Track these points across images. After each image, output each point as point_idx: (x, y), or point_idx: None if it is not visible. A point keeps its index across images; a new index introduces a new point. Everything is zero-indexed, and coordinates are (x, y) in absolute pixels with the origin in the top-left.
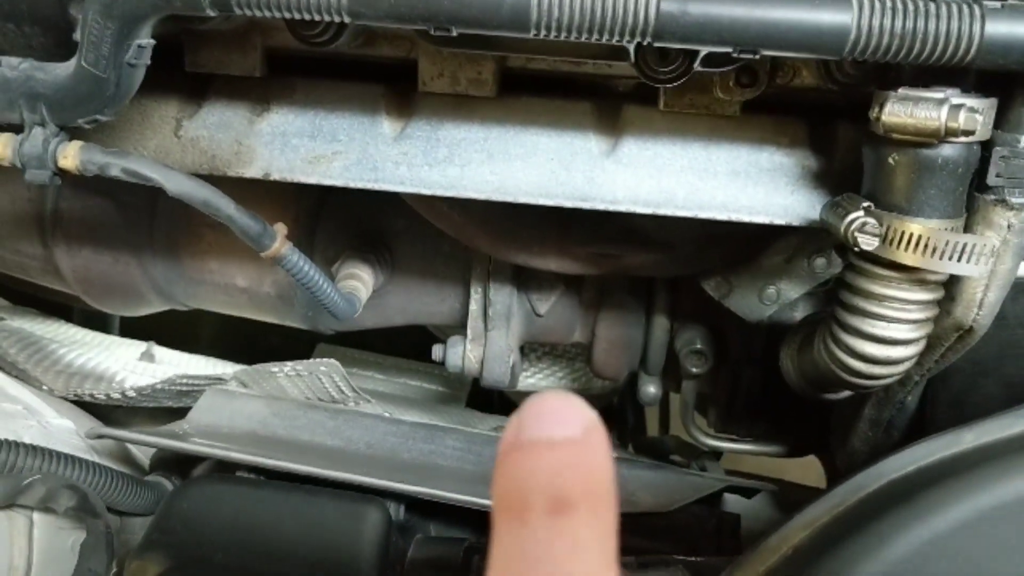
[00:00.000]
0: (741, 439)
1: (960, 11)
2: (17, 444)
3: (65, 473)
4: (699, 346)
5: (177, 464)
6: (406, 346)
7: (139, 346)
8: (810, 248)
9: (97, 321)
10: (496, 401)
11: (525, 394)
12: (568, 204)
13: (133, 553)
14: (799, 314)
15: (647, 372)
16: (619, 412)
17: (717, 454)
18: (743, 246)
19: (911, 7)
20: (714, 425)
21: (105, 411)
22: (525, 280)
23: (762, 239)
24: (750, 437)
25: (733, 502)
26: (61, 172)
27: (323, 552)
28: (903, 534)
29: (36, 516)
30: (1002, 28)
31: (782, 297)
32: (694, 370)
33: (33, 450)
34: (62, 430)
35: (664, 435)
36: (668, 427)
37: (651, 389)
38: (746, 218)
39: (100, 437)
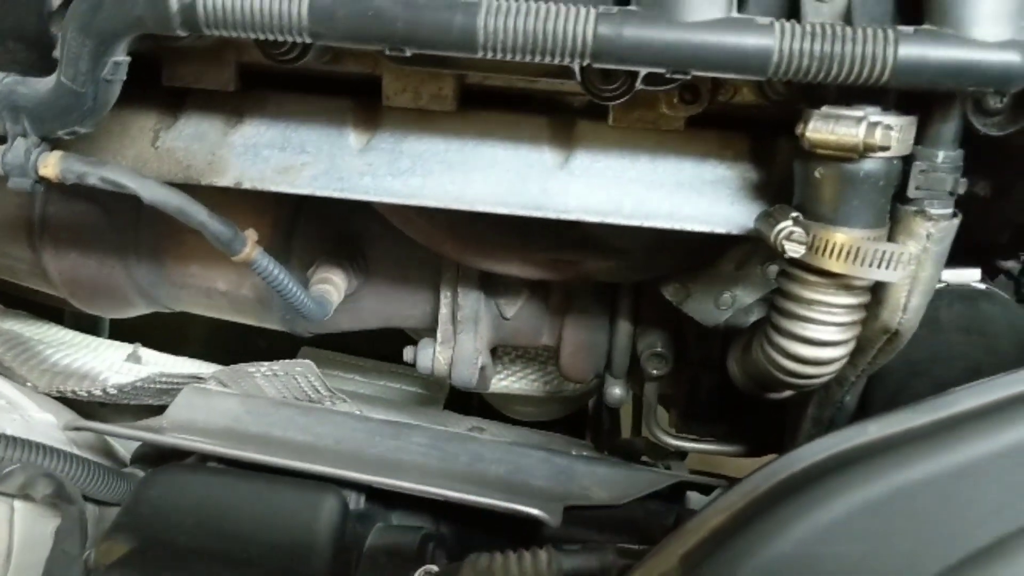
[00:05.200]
0: (702, 439)
1: (875, 35)
2: None
3: (43, 463)
4: (659, 349)
5: (156, 460)
6: (387, 350)
7: (126, 348)
8: (763, 255)
9: (87, 324)
10: (475, 404)
11: (502, 397)
12: (522, 213)
13: (102, 535)
14: (754, 319)
15: (612, 374)
16: (594, 415)
17: (683, 454)
18: (696, 253)
19: (829, 32)
20: (675, 425)
21: (90, 409)
22: (492, 285)
23: (715, 247)
24: (710, 437)
25: (696, 500)
26: (42, 180)
27: (279, 535)
28: (806, 517)
29: (17, 504)
30: (914, 51)
31: (737, 303)
32: (655, 372)
33: (13, 441)
34: (43, 424)
35: (635, 437)
36: (640, 429)
37: (616, 391)
38: (689, 227)
39: (77, 430)
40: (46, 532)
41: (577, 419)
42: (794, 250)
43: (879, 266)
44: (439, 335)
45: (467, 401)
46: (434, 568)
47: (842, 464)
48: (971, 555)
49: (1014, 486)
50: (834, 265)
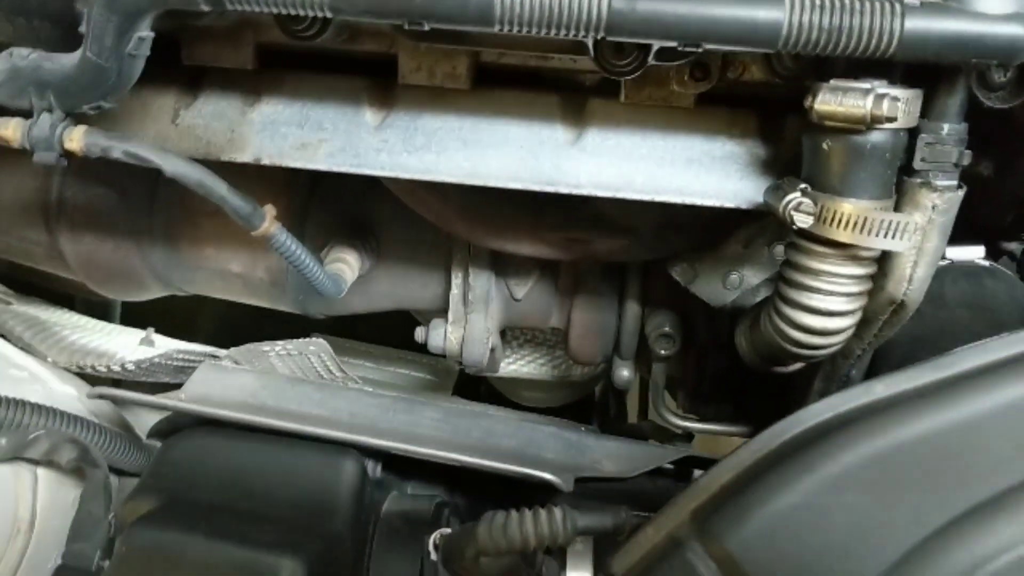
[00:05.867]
0: (709, 420)
1: (882, 8)
2: (23, 402)
3: (67, 429)
4: (667, 330)
5: (174, 434)
6: (397, 338)
7: (139, 333)
8: (770, 236)
9: (99, 311)
10: (484, 391)
11: (510, 382)
12: (535, 188)
13: (128, 496)
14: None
15: (620, 356)
16: (601, 401)
17: (690, 437)
18: (704, 233)
19: (838, 4)
20: (683, 406)
21: (106, 386)
22: (503, 266)
23: (723, 226)
24: (717, 418)
25: None
26: (67, 154)
27: (302, 495)
28: (814, 469)
29: (40, 471)
30: (920, 24)
31: (744, 283)
32: (663, 352)
33: (38, 408)
34: (65, 396)
35: (642, 420)
36: (647, 414)
37: (624, 373)
38: (699, 201)
39: (100, 397)
40: (68, 500)
41: (584, 406)
42: (802, 220)
43: (885, 236)
44: (450, 315)
45: (476, 388)
46: (448, 531)
47: (849, 420)
48: (974, 507)
49: (1015, 441)
50: (841, 235)
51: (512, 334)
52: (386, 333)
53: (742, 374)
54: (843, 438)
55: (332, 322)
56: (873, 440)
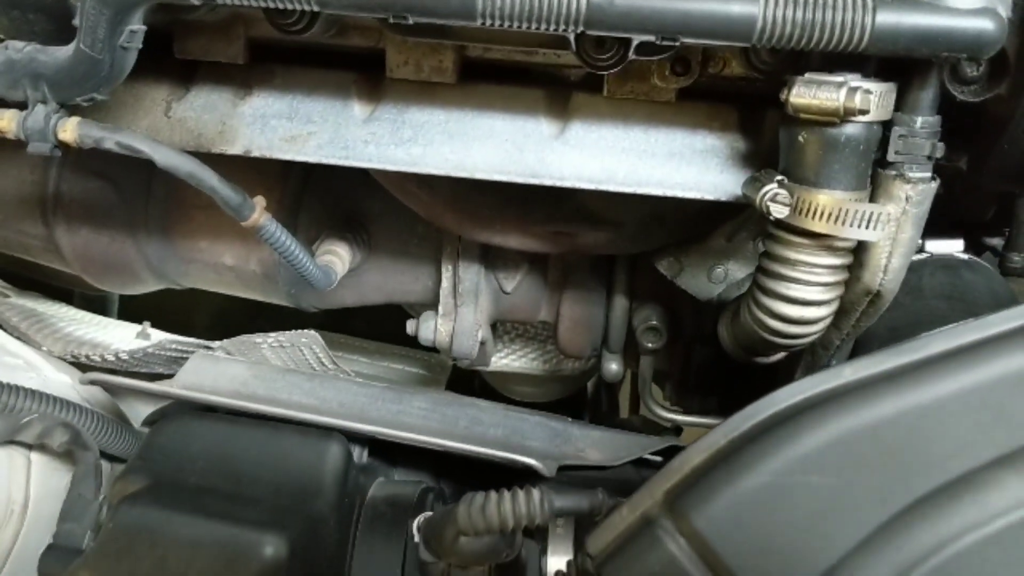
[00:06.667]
0: (695, 412)
1: (854, 3)
2: (17, 387)
3: (59, 414)
4: (654, 323)
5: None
6: (390, 334)
7: (135, 327)
8: (754, 229)
9: (97, 307)
10: (477, 386)
11: (502, 376)
12: (519, 180)
13: (116, 477)
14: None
15: (609, 349)
16: (594, 395)
17: (678, 430)
18: (689, 226)
19: None
20: (670, 399)
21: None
22: (492, 260)
23: (707, 220)
24: (704, 411)
25: None
26: (61, 145)
27: (286, 477)
28: (780, 450)
29: (34, 455)
30: (891, 18)
31: (729, 276)
32: (650, 345)
33: (32, 393)
34: (59, 383)
35: (632, 415)
36: (638, 408)
37: (613, 366)
38: (679, 194)
39: (92, 383)
40: (62, 484)
41: (577, 401)
42: (779, 211)
43: (860, 226)
44: (440, 308)
45: (469, 383)
46: (431, 514)
47: (816, 403)
48: (939, 488)
49: (979, 424)
50: (817, 226)
51: (503, 328)
52: (380, 328)
53: (728, 367)
54: (809, 420)
55: (326, 317)
56: (839, 422)
